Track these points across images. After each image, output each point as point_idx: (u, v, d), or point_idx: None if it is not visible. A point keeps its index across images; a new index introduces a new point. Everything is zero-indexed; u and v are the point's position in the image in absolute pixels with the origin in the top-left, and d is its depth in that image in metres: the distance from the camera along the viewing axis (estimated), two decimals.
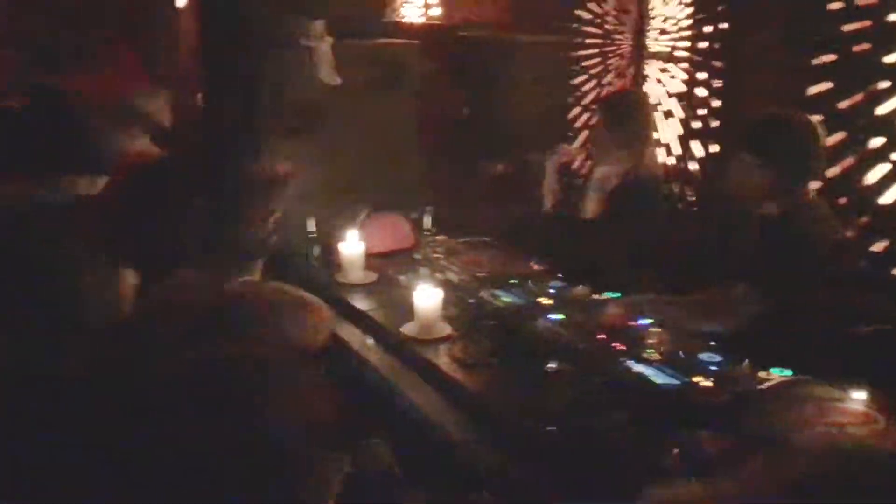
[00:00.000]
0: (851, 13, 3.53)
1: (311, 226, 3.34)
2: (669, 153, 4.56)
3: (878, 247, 3.51)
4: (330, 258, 3.29)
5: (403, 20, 6.63)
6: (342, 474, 1.99)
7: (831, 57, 3.62)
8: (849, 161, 3.62)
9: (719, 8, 4.11)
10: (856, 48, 3.54)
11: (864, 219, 3.56)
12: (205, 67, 4.11)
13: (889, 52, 3.42)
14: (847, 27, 3.55)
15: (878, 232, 3.50)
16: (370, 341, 2.77)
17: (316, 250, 3.34)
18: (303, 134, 3.56)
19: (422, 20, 6.46)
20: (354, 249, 3.17)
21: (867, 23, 3.48)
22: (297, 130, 3.55)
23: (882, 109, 3.48)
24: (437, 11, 6.29)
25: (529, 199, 4.46)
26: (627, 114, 3.64)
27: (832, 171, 3.68)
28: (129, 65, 6.08)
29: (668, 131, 4.55)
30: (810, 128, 2.81)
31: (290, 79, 3.44)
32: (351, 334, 2.85)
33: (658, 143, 4.65)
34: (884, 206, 3.50)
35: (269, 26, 3.45)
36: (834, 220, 2.93)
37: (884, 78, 3.45)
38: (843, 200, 3.63)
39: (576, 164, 3.93)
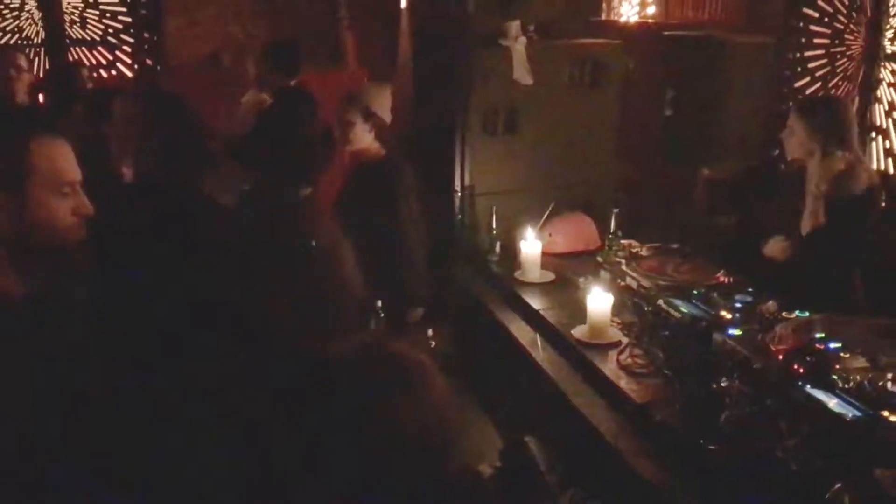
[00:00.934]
0: None
1: (494, 222, 3.39)
2: None
3: None
4: (511, 255, 3.32)
5: (620, 19, 6.52)
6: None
7: None
8: None
9: None
10: None
11: None
12: (416, 66, 4.28)
13: None
14: None
15: None
16: (539, 340, 2.76)
17: (497, 246, 3.39)
18: (500, 133, 3.61)
19: (636, 18, 6.31)
20: (533, 248, 3.18)
21: None
22: (495, 129, 3.61)
23: None
24: (652, 10, 6.13)
25: (741, 208, 4.22)
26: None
27: None
28: (353, 62, 6.50)
29: None
30: None
31: (489, 78, 3.50)
32: (522, 332, 2.87)
33: (889, 152, 4.24)
34: None
35: (471, 26, 3.53)
36: None
37: None
38: None
39: None
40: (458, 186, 3.58)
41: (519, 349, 2.77)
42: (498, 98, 3.55)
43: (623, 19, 6.49)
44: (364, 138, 3.25)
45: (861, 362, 2.16)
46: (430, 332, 2.84)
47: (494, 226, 3.43)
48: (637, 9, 6.33)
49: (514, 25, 3.28)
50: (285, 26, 6.22)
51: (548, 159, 3.58)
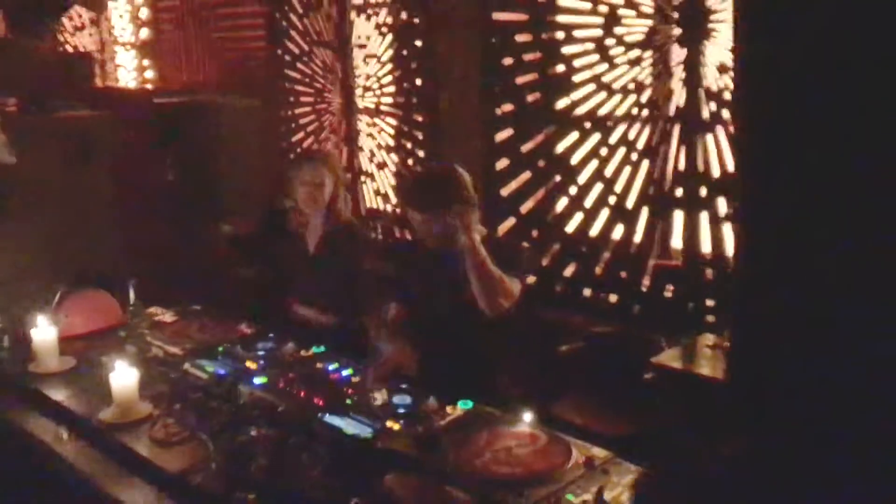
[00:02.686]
0: (522, 67, 3.92)
1: None
2: (387, 201, 4.77)
3: (569, 271, 3.90)
4: (24, 347, 3.05)
5: (117, 84, 6.42)
6: None
7: (510, 106, 3.99)
8: (539, 194, 3.99)
9: (413, 65, 4.38)
10: (529, 97, 3.93)
11: (556, 246, 3.94)
12: None
13: (556, 99, 3.83)
14: (520, 79, 3.93)
15: (569, 257, 3.89)
16: (64, 434, 2.59)
17: (6, 340, 3.09)
18: None
19: (133, 84, 6.29)
20: (47, 335, 2.97)
21: (535, 75, 3.89)
22: None
23: (558, 150, 3.88)
24: (150, 74, 6.17)
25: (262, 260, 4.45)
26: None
27: (525, 207, 4.05)
28: None
29: (384, 181, 4.76)
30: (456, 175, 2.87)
31: None
32: (43, 428, 2.65)
33: (378, 192, 4.85)
34: (570, 234, 3.89)
35: None
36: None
37: (555, 122, 3.86)
38: (535, 233, 4.01)
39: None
40: None
41: (42, 449, 2.56)
42: None
43: (121, 84, 6.41)
44: None
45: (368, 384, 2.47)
46: None
47: None
48: (135, 74, 6.31)
49: None
50: None
51: (50, 239, 3.39)
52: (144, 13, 6.11)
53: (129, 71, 6.39)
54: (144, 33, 6.16)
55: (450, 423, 2.22)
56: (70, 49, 6.75)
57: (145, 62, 6.23)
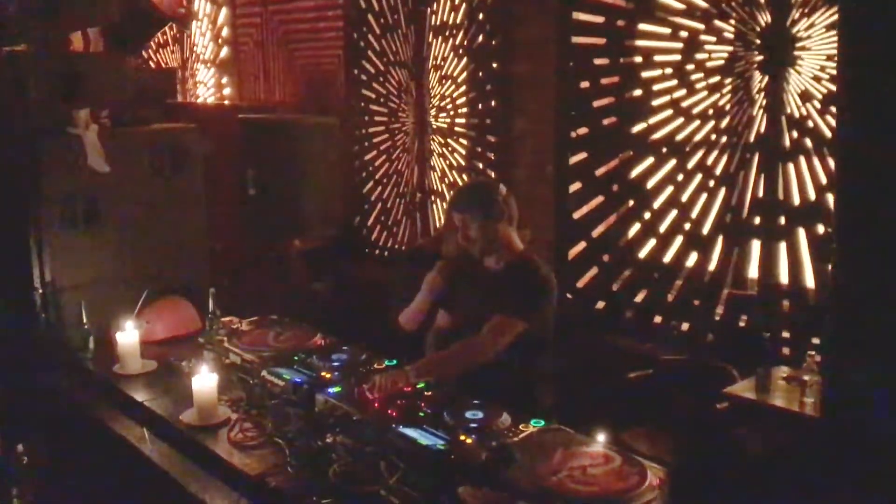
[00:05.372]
0: (599, 91, 3.93)
1: (85, 317, 3.21)
2: None
3: (640, 297, 3.87)
4: (108, 349, 3.17)
5: (197, 101, 6.63)
6: None
7: (585, 130, 4.00)
8: (612, 219, 3.97)
9: (488, 87, 4.43)
10: (605, 121, 3.94)
11: (628, 272, 3.92)
12: None
13: (633, 123, 3.83)
14: (596, 103, 3.94)
15: (640, 283, 3.86)
16: (147, 433, 2.68)
17: (91, 342, 3.22)
18: (81, 224, 3.46)
19: (212, 100, 6.50)
20: (130, 339, 3.08)
21: (612, 99, 3.89)
22: (74, 220, 3.45)
23: (633, 174, 3.87)
24: (228, 91, 6.36)
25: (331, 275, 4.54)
26: None
27: (597, 231, 4.04)
28: None
29: None
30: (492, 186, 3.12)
31: (59, 168, 3.35)
32: (127, 428, 2.75)
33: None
34: (643, 260, 3.87)
35: (34, 116, 3.36)
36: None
37: (631, 147, 3.85)
38: (606, 257, 4.00)
39: None
40: (37, 283, 3.33)
41: (126, 447, 2.65)
42: (74, 188, 3.42)
43: (199, 100, 6.63)
44: None
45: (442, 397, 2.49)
46: (20, 447, 2.58)
47: (86, 321, 3.25)
48: (213, 90, 6.52)
49: (84, 113, 3.19)
50: None
51: (136, 247, 3.52)
52: (225, 32, 6.32)
53: (207, 88, 6.60)
54: (224, 52, 6.37)
55: (523, 440, 2.22)
56: (153, 65, 7.02)
57: (224, 80, 6.43)
